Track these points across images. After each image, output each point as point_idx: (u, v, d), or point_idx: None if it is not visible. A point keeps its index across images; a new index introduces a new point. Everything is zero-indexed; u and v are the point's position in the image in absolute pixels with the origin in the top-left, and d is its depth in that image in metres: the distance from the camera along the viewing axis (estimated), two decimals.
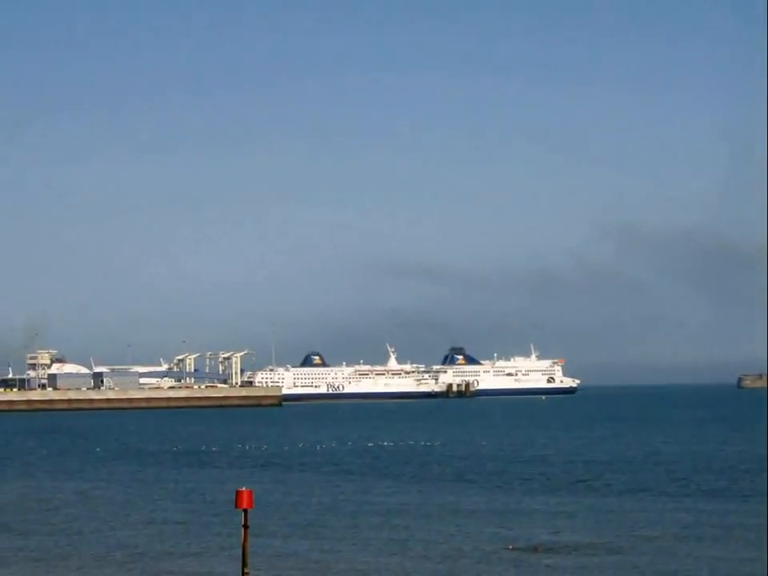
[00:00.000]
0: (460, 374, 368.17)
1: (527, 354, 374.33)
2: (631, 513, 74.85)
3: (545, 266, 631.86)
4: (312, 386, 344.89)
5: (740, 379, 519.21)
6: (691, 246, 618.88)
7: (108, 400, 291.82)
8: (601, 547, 59.94)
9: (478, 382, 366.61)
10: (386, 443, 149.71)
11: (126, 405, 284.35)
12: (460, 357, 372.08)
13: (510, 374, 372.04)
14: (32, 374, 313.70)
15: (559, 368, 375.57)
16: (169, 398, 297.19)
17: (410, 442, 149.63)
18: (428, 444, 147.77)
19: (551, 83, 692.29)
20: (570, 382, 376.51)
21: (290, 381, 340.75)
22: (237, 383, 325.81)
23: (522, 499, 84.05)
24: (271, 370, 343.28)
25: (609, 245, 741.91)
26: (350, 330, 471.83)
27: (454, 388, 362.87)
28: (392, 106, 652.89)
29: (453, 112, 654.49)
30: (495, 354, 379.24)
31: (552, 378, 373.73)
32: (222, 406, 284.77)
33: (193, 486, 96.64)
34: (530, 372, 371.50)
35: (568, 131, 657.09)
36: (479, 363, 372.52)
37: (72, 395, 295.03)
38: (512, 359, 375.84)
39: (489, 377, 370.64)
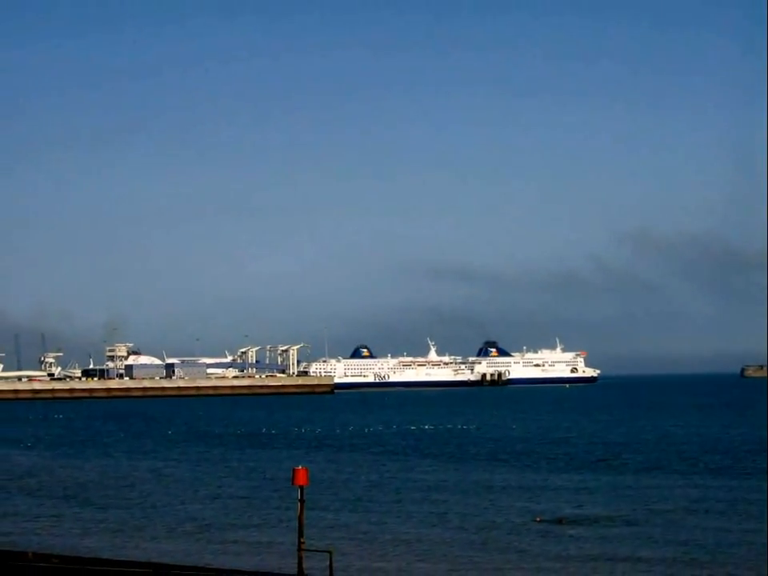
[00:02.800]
0: (493, 364, 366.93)
1: (553, 347, 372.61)
2: (646, 489, 75.18)
3: (568, 268, 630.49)
4: (360, 376, 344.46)
5: (743, 369, 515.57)
6: (699, 250, 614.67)
7: (178, 388, 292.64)
8: (619, 519, 60.30)
9: (509, 372, 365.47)
10: (426, 427, 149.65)
11: (194, 392, 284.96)
12: (493, 349, 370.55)
13: (537, 365, 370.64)
14: (111, 364, 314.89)
15: (581, 359, 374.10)
16: (233, 387, 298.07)
17: (449, 426, 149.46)
18: (464, 427, 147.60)
19: (574, 104, 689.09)
20: (591, 372, 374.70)
21: (341, 371, 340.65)
22: (294, 373, 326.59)
23: (548, 476, 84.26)
24: (324, 362, 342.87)
25: (625, 249, 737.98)
26: (394, 325, 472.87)
27: (488, 377, 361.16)
28: (432, 125, 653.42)
29: (487, 130, 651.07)
30: (524, 347, 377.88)
31: (575, 368, 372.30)
32: (280, 394, 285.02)
33: (254, 464, 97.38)
34: (556, 363, 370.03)
35: (588, 147, 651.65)
36: (510, 355, 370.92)
37: (146, 384, 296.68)
38: (539, 351, 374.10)
39: (519, 367, 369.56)
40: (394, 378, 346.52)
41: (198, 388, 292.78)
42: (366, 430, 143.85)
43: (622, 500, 68.92)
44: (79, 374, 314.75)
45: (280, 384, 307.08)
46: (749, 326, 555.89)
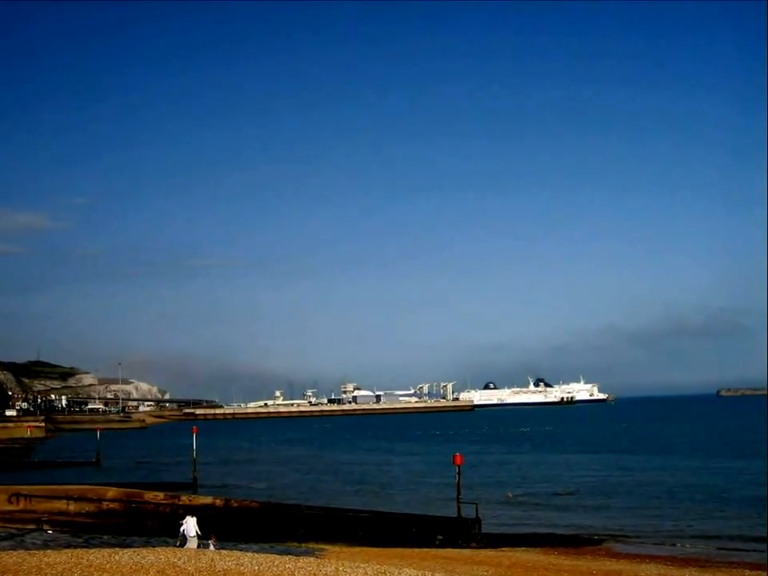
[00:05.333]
0: (565, 391, 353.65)
1: (577, 381, 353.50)
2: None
3: (586, 333, 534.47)
4: (489, 400, 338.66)
5: (718, 391, 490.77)
6: (692, 313, 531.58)
7: (383, 409, 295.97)
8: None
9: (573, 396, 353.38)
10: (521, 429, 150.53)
11: (392, 412, 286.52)
12: (541, 383, 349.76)
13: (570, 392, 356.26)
14: (344, 396, 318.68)
15: (596, 388, 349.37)
16: (414, 408, 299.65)
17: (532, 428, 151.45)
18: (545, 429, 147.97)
19: (596, 188, 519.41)
20: (602, 396, 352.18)
21: (478, 397, 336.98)
22: (450, 399, 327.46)
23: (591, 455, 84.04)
24: (468, 392, 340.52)
25: (643, 315, 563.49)
26: (504, 368, 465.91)
27: (565, 399, 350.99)
28: None
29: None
30: (561, 381, 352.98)
31: (592, 393, 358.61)
32: (441, 412, 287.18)
33: (428, 450, 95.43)
34: (580, 391, 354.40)
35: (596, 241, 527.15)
36: (552, 386, 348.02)
37: (364, 407, 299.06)
38: (569, 384, 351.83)
39: (584, 393, 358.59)
40: (509, 401, 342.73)
41: (394, 409, 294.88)
42: (483, 430, 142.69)
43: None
44: (326, 402, 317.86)
45: (442, 406, 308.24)
46: (722, 363, 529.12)
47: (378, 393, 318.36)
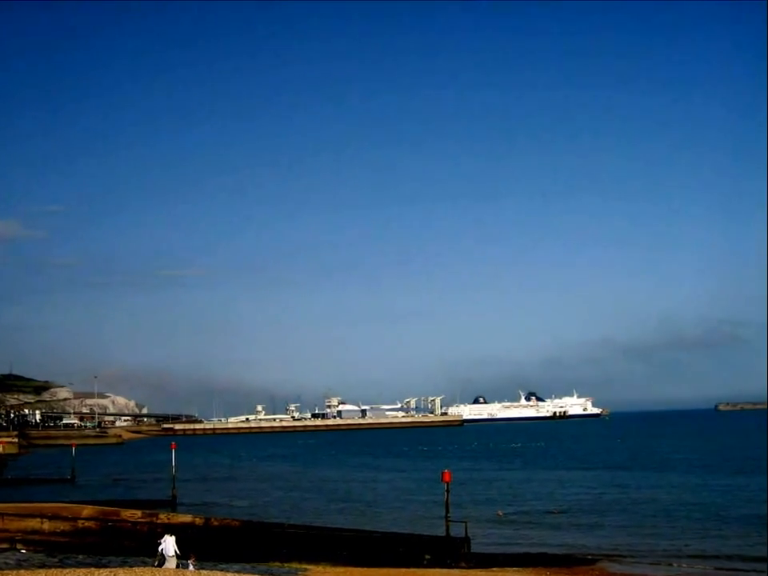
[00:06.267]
0: (558, 406, 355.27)
1: (571, 395, 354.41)
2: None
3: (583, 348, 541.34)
4: (479, 414, 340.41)
5: (716, 405, 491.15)
6: (690, 325, 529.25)
7: (369, 424, 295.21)
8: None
9: (566, 411, 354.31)
10: (512, 445, 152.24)
11: (378, 426, 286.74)
12: (533, 397, 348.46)
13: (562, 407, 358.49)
14: (328, 410, 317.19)
15: (590, 402, 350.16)
16: (401, 423, 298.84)
17: (524, 444, 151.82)
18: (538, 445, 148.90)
19: (590, 194, 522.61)
20: (596, 410, 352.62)
21: (467, 412, 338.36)
22: (438, 413, 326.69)
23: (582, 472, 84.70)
24: (456, 406, 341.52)
25: (639, 327, 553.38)
26: (495, 382, 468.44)
27: (557, 414, 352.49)
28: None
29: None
30: (553, 395, 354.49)
31: (586, 408, 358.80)
32: (429, 427, 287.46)
33: (418, 466, 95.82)
34: (573, 405, 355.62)
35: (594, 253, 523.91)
36: (544, 401, 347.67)
37: (349, 422, 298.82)
38: (562, 398, 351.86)
39: (577, 408, 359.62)
40: (499, 415, 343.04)
41: (380, 424, 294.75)
42: (473, 446, 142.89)
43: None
44: (309, 416, 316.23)
45: (430, 420, 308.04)
46: (720, 377, 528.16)
47: (363, 407, 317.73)
